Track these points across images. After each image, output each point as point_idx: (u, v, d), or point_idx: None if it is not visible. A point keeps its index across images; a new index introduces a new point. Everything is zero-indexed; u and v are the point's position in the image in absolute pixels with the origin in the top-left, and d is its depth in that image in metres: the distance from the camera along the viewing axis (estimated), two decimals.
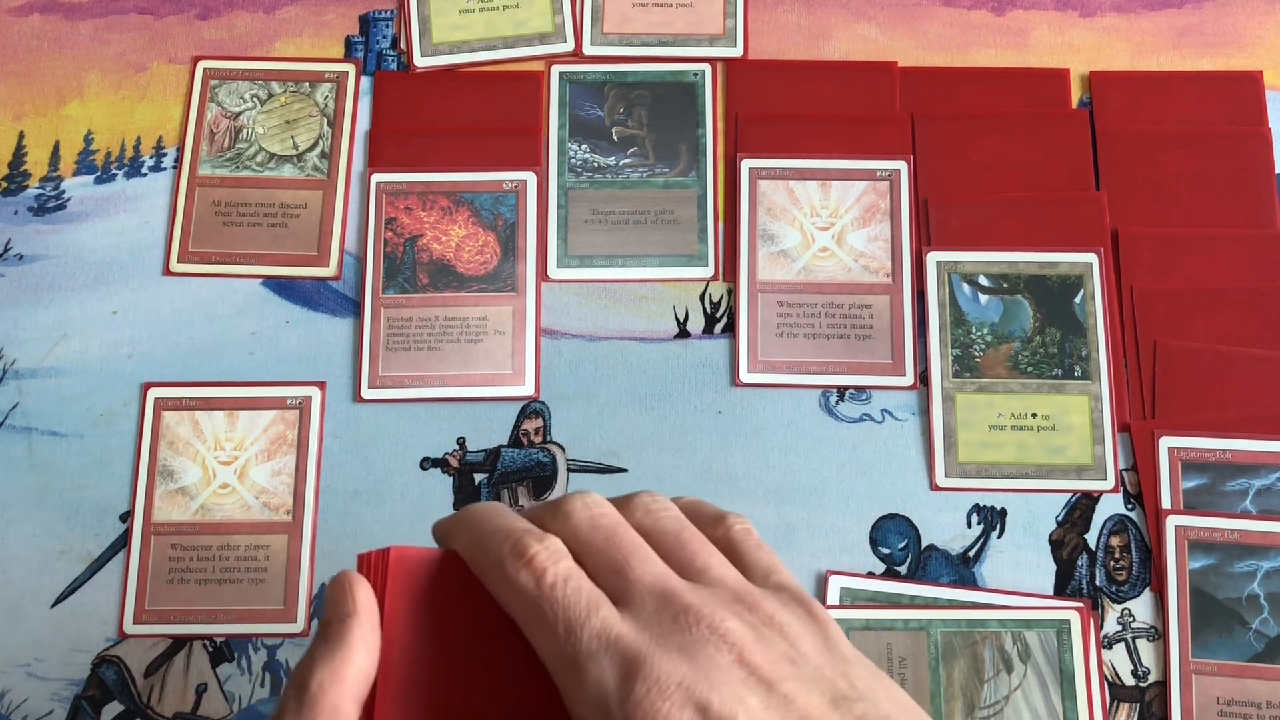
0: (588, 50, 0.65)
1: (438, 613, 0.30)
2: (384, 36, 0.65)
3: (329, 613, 0.29)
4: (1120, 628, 0.54)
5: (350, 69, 0.64)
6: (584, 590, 0.27)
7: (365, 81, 0.64)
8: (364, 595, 0.29)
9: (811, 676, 0.26)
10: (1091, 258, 0.60)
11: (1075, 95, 0.64)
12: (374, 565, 0.30)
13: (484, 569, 0.29)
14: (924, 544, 0.56)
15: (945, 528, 0.56)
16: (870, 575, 0.55)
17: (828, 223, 0.61)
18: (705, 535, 0.31)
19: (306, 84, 0.64)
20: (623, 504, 0.31)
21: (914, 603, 0.54)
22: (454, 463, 0.58)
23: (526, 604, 0.27)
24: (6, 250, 0.61)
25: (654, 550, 0.29)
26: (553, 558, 0.28)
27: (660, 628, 0.26)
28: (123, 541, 0.56)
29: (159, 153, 0.63)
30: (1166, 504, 0.56)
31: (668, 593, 0.27)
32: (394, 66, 0.65)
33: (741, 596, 0.28)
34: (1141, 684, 0.54)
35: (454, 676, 0.29)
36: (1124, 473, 0.57)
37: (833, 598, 0.55)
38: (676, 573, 0.29)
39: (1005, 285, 0.60)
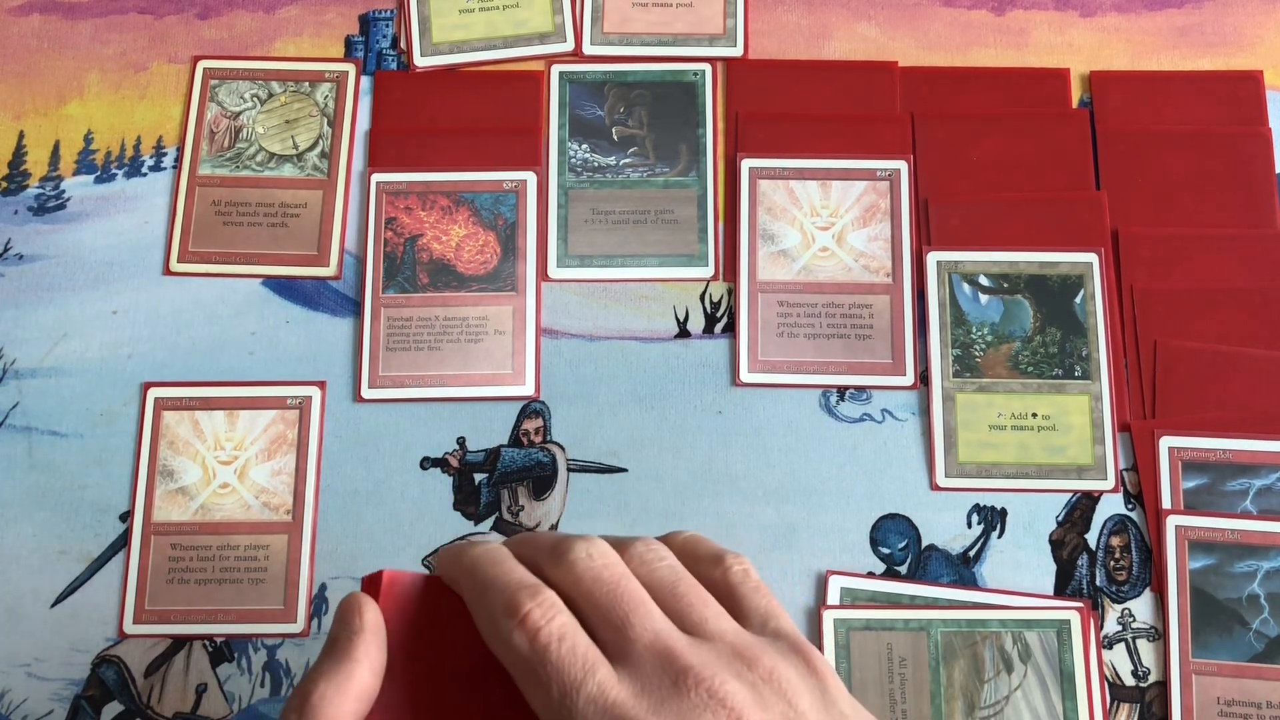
0: (588, 50, 0.65)
1: (428, 636, 0.30)
2: (384, 36, 0.65)
3: (337, 629, 0.29)
4: (1120, 628, 0.54)
5: (350, 69, 0.64)
6: (579, 650, 0.27)
7: (365, 81, 0.64)
8: (372, 615, 0.29)
9: None
10: (1091, 258, 0.60)
11: (1075, 95, 0.64)
12: (368, 588, 0.30)
13: (480, 622, 0.29)
14: (924, 544, 0.56)
15: (945, 528, 0.56)
16: (870, 575, 0.55)
17: (828, 222, 0.61)
18: (703, 576, 0.31)
19: (306, 84, 0.64)
20: (618, 552, 0.31)
21: (914, 603, 0.54)
22: (454, 462, 0.58)
23: (520, 663, 0.27)
24: (6, 250, 0.61)
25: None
26: (546, 615, 0.27)
27: (659, 692, 0.26)
28: (123, 541, 0.56)
29: (159, 152, 0.63)
30: (1167, 504, 0.56)
31: (667, 653, 0.27)
32: (394, 66, 0.65)
33: (740, 652, 0.28)
34: (1142, 684, 0.54)
35: (442, 700, 0.29)
36: (1124, 473, 0.57)
37: (833, 598, 0.55)
38: (674, 624, 0.28)
39: (1005, 285, 0.60)
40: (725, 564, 0.31)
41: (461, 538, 0.57)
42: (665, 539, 0.33)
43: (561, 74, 0.64)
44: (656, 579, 0.30)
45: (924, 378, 0.58)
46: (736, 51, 0.65)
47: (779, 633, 0.29)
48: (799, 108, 0.63)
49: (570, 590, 0.29)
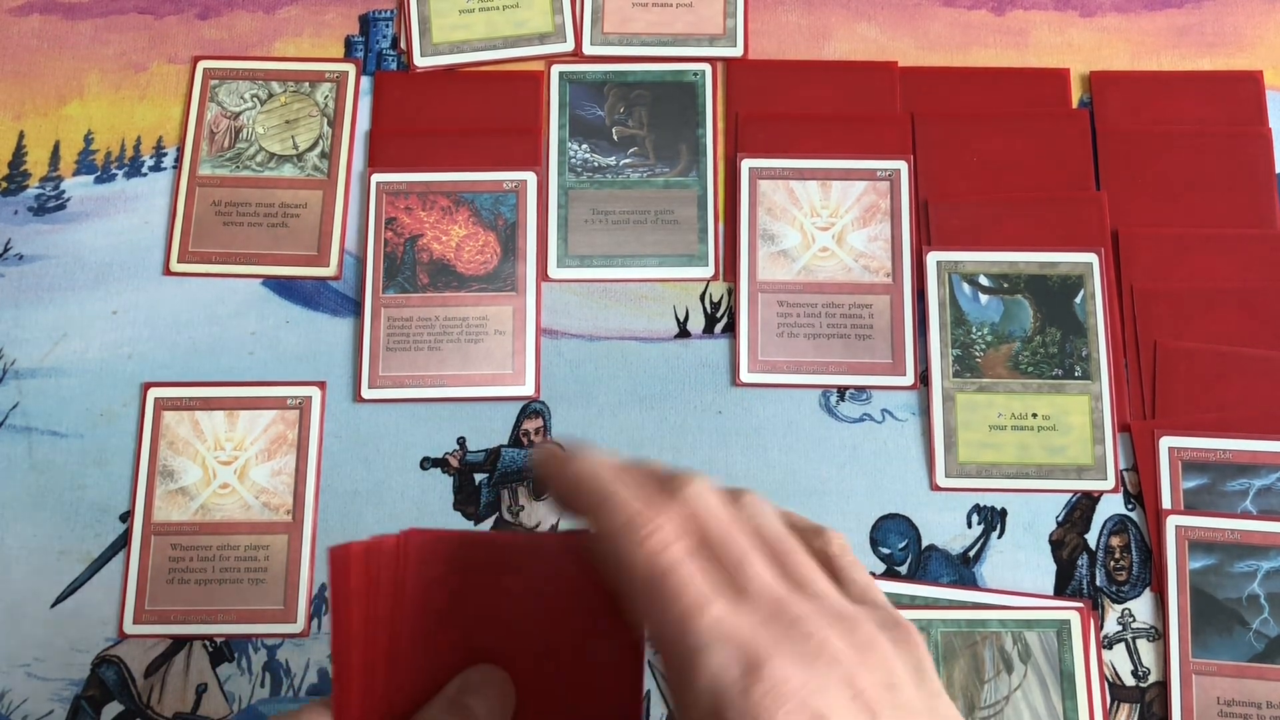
0: (588, 50, 0.65)
1: (455, 586, 0.30)
2: (384, 36, 0.65)
3: None
4: (1120, 628, 0.54)
5: (350, 69, 0.64)
6: (698, 580, 0.27)
7: (365, 81, 0.64)
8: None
9: (906, 706, 0.26)
10: (1091, 258, 0.60)
11: (1075, 95, 0.64)
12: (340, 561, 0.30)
13: (598, 534, 0.29)
14: (924, 544, 0.56)
15: (945, 528, 0.56)
16: (870, 575, 0.55)
17: (828, 223, 0.61)
18: (804, 544, 0.31)
19: (306, 84, 0.64)
20: (728, 500, 0.31)
21: (914, 603, 0.54)
22: (454, 462, 0.58)
23: (640, 580, 0.27)
24: (6, 250, 0.61)
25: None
26: (673, 535, 0.27)
27: (776, 632, 0.26)
28: (123, 541, 0.56)
29: (159, 152, 0.63)
30: (1167, 504, 0.56)
31: (781, 600, 0.27)
32: (394, 66, 0.65)
33: (843, 615, 0.28)
34: (1142, 684, 0.54)
35: (490, 643, 0.30)
36: (1124, 473, 0.57)
37: None
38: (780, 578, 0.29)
39: (1005, 285, 0.60)
40: (826, 536, 0.32)
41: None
42: None
43: (561, 74, 0.64)
44: (766, 531, 0.30)
45: (924, 378, 0.58)
46: (736, 51, 0.65)
47: (877, 605, 0.29)
48: (799, 108, 0.63)
49: (684, 523, 0.28)
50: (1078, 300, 0.59)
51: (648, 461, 0.31)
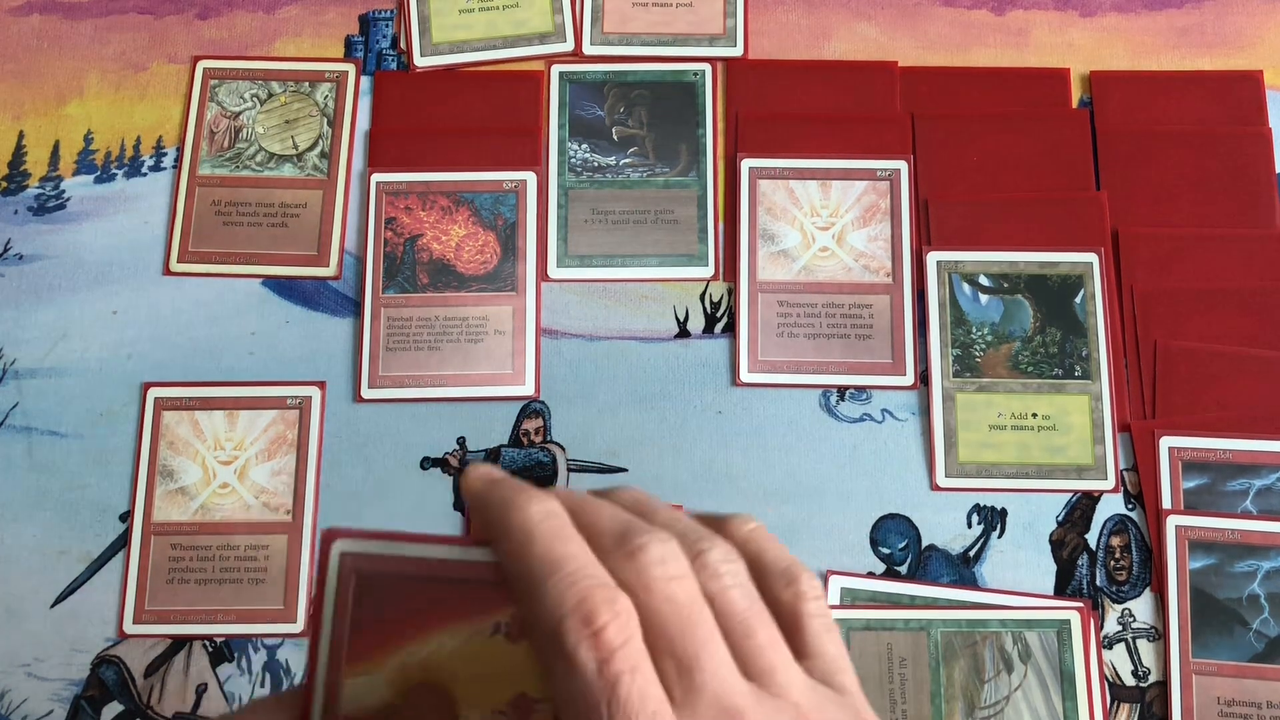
0: (588, 50, 0.65)
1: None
2: (384, 36, 0.65)
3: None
4: (1120, 628, 0.54)
5: (350, 69, 0.64)
6: (650, 694, 0.24)
7: (365, 81, 0.64)
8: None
9: None
10: (1091, 258, 0.60)
11: (1075, 95, 0.64)
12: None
13: (534, 613, 0.26)
14: (924, 544, 0.56)
15: (945, 528, 0.56)
16: (870, 575, 0.55)
17: (828, 222, 0.61)
18: (770, 596, 0.28)
19: (306, 84, 0.64)
20: (692, 554, 0.27)
21: (914, 603, 0.54)
22: (454, 463, 0.58)
23: (577, 681, 0.25)
24: (6, 250, 0.61)
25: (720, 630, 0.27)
26: (622, 634, 0.25)
27: None
28: (123, 541, 0.56)
29: (159, 152, 0.63)
30: (1167, 504, 0.56)
31: (733, 713, 0.25)
32: (394, 66, 0.65)
33: (804, 716, 0.26)
34: (1142, 684, 0.54)
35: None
36: (1124, 473, 0.57)
37: (833, 598, 0.55)
38: (739, 666, 0.26)
39: (1005, 285, 0.60)
40: (799, 588, 0.29)
41: None
42: (728, 529, 0.30)
43: (561, 74, 0.64)
44: (727, 603, 0.27)
45: (924, 378, 0.58)
46: (736, 51, 0.65)
47: (844, 689, 0.27)
48: (799, 108, 0.63)
49: (637, 597, 0.26)
50: (1078, 300, 0.59)
51: (600, 509, 0.28)
